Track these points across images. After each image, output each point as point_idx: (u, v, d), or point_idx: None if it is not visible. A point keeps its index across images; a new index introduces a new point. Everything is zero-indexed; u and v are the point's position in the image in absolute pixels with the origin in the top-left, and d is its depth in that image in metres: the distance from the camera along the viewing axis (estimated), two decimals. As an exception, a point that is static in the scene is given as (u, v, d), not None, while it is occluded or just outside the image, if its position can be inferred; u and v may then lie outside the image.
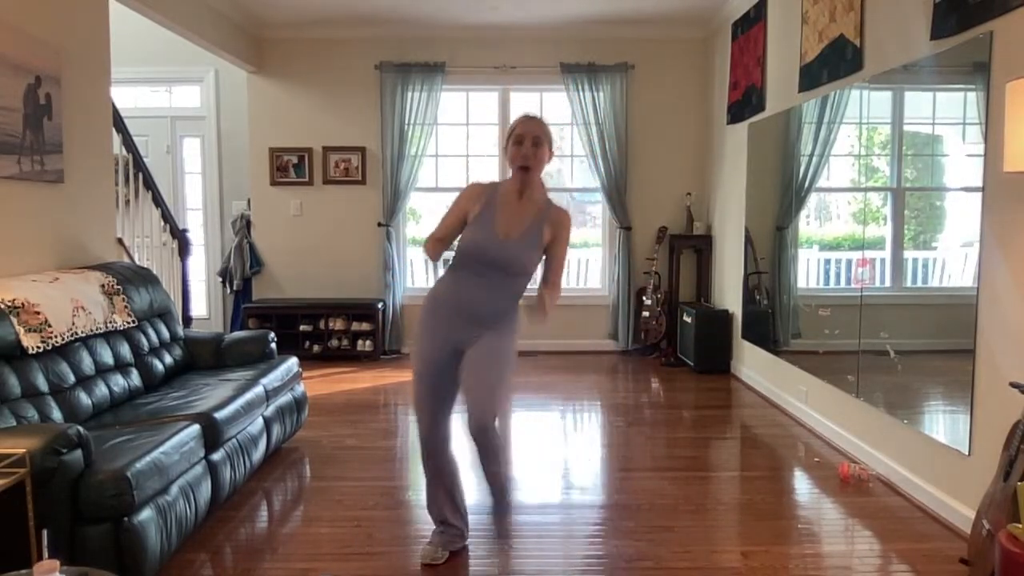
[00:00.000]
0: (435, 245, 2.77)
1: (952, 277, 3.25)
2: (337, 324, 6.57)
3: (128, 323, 3.64)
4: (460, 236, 2.73)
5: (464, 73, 6.70)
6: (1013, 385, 2.48)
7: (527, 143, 2.63)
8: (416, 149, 6.62)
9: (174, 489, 2.69)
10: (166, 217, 5.50)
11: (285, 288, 6.91)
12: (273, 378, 3.83)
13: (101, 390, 3.26)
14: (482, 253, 2.64)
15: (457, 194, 2.79)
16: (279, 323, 6.46)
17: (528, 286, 2.77)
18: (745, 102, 5.56)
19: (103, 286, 3.55)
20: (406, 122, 6.60)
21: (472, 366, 2.64)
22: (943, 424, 3.25)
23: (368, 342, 6.59)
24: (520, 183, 2.66)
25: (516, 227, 2.65)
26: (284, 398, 3.97)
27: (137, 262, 4.83)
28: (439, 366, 2.71)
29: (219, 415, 3.11)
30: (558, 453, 4.10)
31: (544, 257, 2.73)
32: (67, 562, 2.06)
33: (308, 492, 3.53)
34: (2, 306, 2.86)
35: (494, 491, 2.86)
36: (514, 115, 6.84)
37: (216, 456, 3.08)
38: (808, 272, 4.62)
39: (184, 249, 5.60)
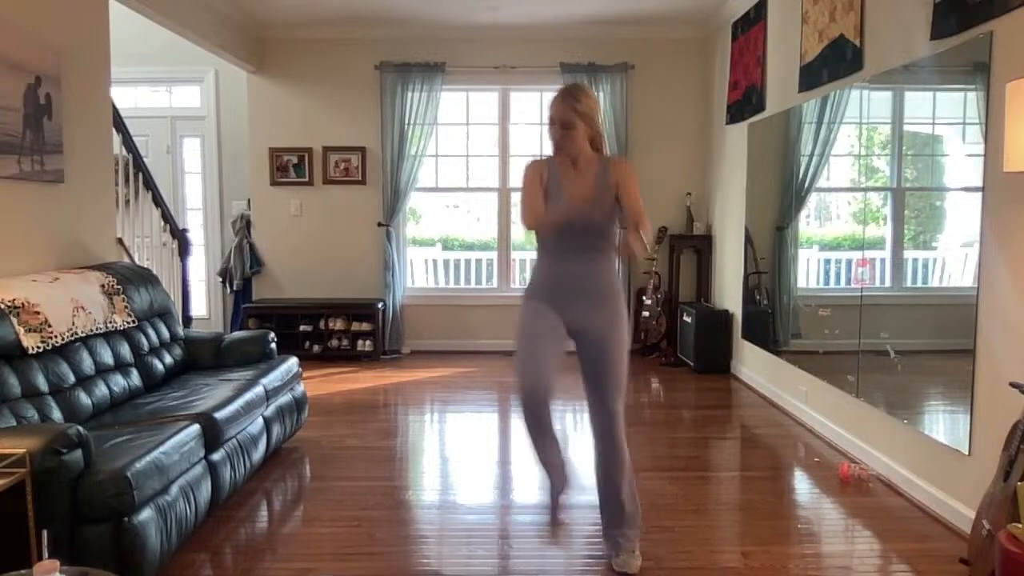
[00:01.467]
0: (534, 214, 2.62)
1: (952, 277, 3.25)
2: (337, 324, 6.57)
3: (128, 323, 3.64)
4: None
5: (464, 73, 6.69)
6: (1013, 385, 2.48)
7: (556, 128, 2.61)
8: (416, 149, 6.62)
9: (174, 489, 2.69)
10: (166, 217, 5.50)
11: (285, 288, 6.91)
12: (273, 378, 3.83)
13: (101, 390, 3.26)
14: (568, 223, 2.59)
15: (523, 177, 2.71)
16: (279, 323, 6.46)
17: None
18: (745, 102, 5.56)
19: (103, 286, 3.55)
20: (406, 122, 6.60)
21: (595, 352, 2.65)
22: (943, 424, 3.25)
23: (368, 342, 6.59)
24: (567, 158, 2.65)
25: (587, 191, 2.63)
26: (284, 398, 3.97)
27: (137, 262, 4.83)
28: (546, 328, 2.62)
29: (219, 415, 3.11)
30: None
31: (620, 206, 2.65)
32: (67, 562, 2.06)
33: (308, 492, 3.53)
34: (2, 306, 2.86)
35: (610, 500, 2.77)
36: (514, 115, 6.87)
37: (216, 456, 3.08)
38: (808, 272, 4.62)
39: (184, 249, 5.60)
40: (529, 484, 3.61)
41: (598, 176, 2.65)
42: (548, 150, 2.75)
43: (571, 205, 2.61)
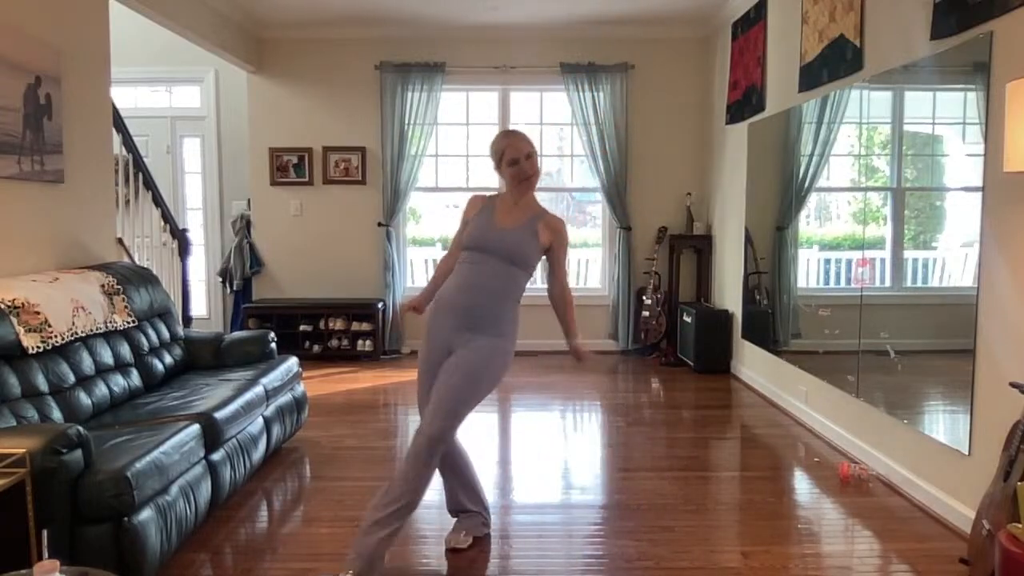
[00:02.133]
0: (446, 261, 2.94)
1: (952, 277, 3.25)
2: (337, 324, 6.57)
3: (128, 323, 3.64)
4: (464, 237, 2.85)
5: (464, 73, 6.70)
6: (1013, 385, 2.48)
7: (522, 160, 2.78)
8: (416, 149, 6.62)
9: (174, 489, 2.69)
10: (166, 217, 5.50)
11: (285, 288, 6.91)
12: (273, 378, 3.83)
13: (101, 390, 3.26)
14: (482, 241, 2.76)
15: (466, 207, 2.95)
16: (279, 323, 6.46)
17: (524, 291, 2.84)
18: (745, 102, 5.56)
19: (103, 286, 3.55)
20: (406, 122, 6.60)
21: (443, 373, 2.67)
22: (943, 424, 3.25)
23: (368, 342, 6.59)
24: (518, 195, 2.83)
25: (513, 220, 2.80)
26: (284, 398, 3.97)
27: (137, 262, 4.83)
28: (435, 367, 2.77)
29: (219, 415, 3.11)
30: (558, 453, 4.10)
31: (547, 262, 2.90)
32: (67, 562, 2.06)
33: (308, 492, 3.53)
34: (2, 306, 2.86)
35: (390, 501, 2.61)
36: (514, 115, 6.87)
37: (216, 456, 3.08)
38: (808, 272, 4.62)
39: (184, 249, 5.60)
40: (529, 484, 3.61)
41: (530, 218, 2.80)
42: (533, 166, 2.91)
43: (491, 229, 2.78)
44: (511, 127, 6.83)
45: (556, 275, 2.91)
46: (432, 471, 2.62)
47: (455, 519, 3.00)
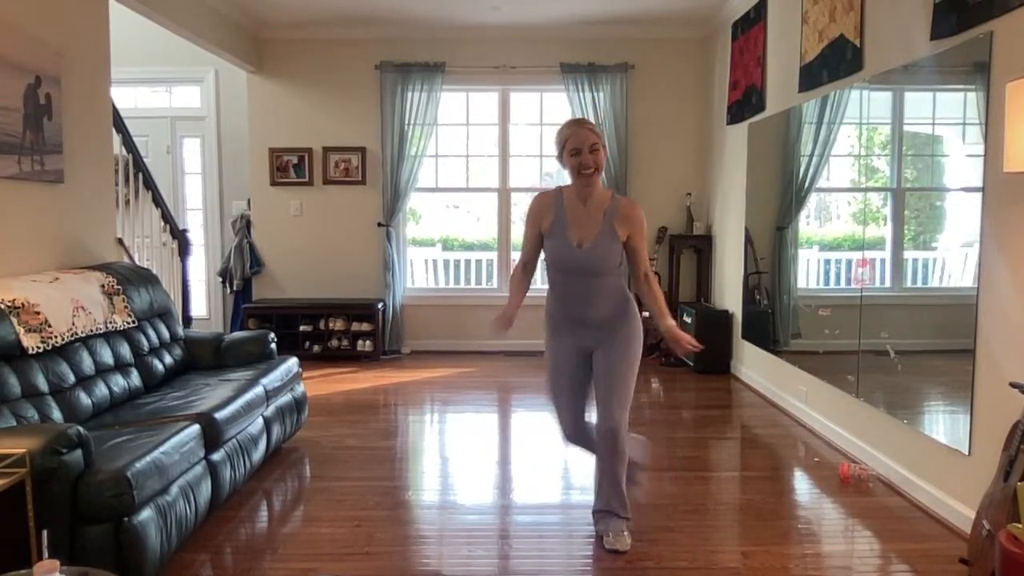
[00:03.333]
0: (522, 273, 2.93)
1: (952, 277, 3.25)
2: (337, 324, 6.57)
3: (128, 323, 3.64)
4: (544, 251, 2.88)
5: (464, 73, 6.70)
6: (1013, 385, 2.48)
7: (585, 152, 2.71)
8: (416, 149, 6.62)
9: (174, 489, 2.69)
10: (166, 217, 5.50)
11: (285, 288, 6.91)
12: (273, 378, 3.83)
13: (101, 390, 3.26)
14: (565, 264, 2.79)
15: (526, 210, 2.93)
16: (279, 323, 6.46)
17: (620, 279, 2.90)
18: (745, 102, 5.56)
19: (103, 286, 3.55)
20: (406, 122, 6.60)
21: (597, 378, 2.84)
22: (943, 424, 3.25)
23: (368, 342, 6.59)
24: (584, 191, 2.79)
25: (589, 233, 2.77)
26: (284, 398, 3.97)
27: (137, 262, 4.83)
28: (570, 366, 2.89)
29: (219, 415, 3.11)
30: (558, 453, 4.10)
31: (627, 253, 2.86)
32: (67, 562, 2.06)
33: (308, 492, 3.53)
34: (2, 306, 2.86)
35: (606, 488, 2.91)
36: (514, 115, 6.86)
37: (216, 456, 3.08)
38: (808, 272, 4.62)
39: (184, 249, 5.60)
40: (529, 484, 3.61)
41: (604, 221, 2.77)
42: (557, 177, 2.91)
43: (569, 250, 2.77)
44: (511, 124, 6.85)
45: (637, 264, 2.85)
46: (626, 454, 2.85)
47: (599, 520, 2.96)
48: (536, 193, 2.99)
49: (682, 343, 2.80)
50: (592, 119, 6.56)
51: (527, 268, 2.95)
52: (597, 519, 2.95)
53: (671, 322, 2.82)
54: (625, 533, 2.87)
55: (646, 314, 3.06)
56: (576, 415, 2.96)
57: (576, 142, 2.71)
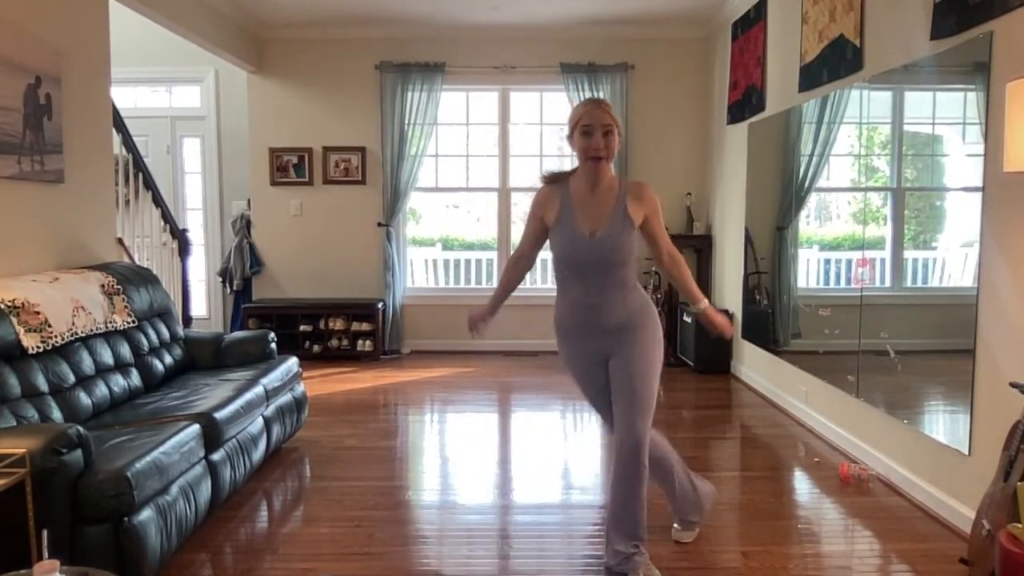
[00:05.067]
0: (514, 266, 2.73)
1: (952, 277, 3.24)
2: (337, 324, 6.57)
3: (128, 323, 3.64)
4: (551, 247, 2.63)
5: (464, 73, 6.69)
6: (1013, 385, 2.48)
7: (597, 134, 2.45)
8: (416, 149, 6.62)
9: (174, 489, 2.69)
10: (166, 217, 5.50)
11: (285, 288, 6.91)
12: (273, 378, 3.83)
13: (101, 390, 3.26)
14: (577, 257, 2.53)
15: (530, 201, 2.67)
16: (279, 323, 6.46)
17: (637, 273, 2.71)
18: (745, 102, 5.56)
19: (103, 286, 3.55)
20: (406, 122, 6.60)
21: (616, 385, 2.59)
22: (943, 424, 3.25)
23: (368, 342, 6.59)
24: (593, 176, 2.53)
25: (601, 221, 2.52)
26: (284, 398, 3.97)
27: (137, 262, 4.83)
28: (591, 375, 2.67)
29: (219, 415, 3.11)
30: (558, 453, 4.10)
31: (646, 238, 2.64)
32: (67, 562, 2.06)
33: (308, 492, 3.53)
34: (2, 306, 2.86)
35: (626, 521, 2.60)
36: (514, 115, 6.86)
37: (216, 456, 3.08)
38: (808, 272, 4.62)
39: (184, 249, 5.60)
40: (529, 484, 3.61)
41: (616, 206, 2.53)
42: (555, 162, 2.72)
43: (580, 241, 2.51)
44: (511, 124, 6.85)
45: (659, 245, 2.63)
46: (647, 472, 2.58)
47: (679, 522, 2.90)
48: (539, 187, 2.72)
49: (716, 326, 2.64)
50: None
51: (520, 262, 2.73)
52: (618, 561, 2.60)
53: (705, 303, 2.66)
54: (651, 565, 2.61)
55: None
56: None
57: (589, 120, 2.45)
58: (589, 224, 2.53)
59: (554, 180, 2.65)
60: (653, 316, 2.65)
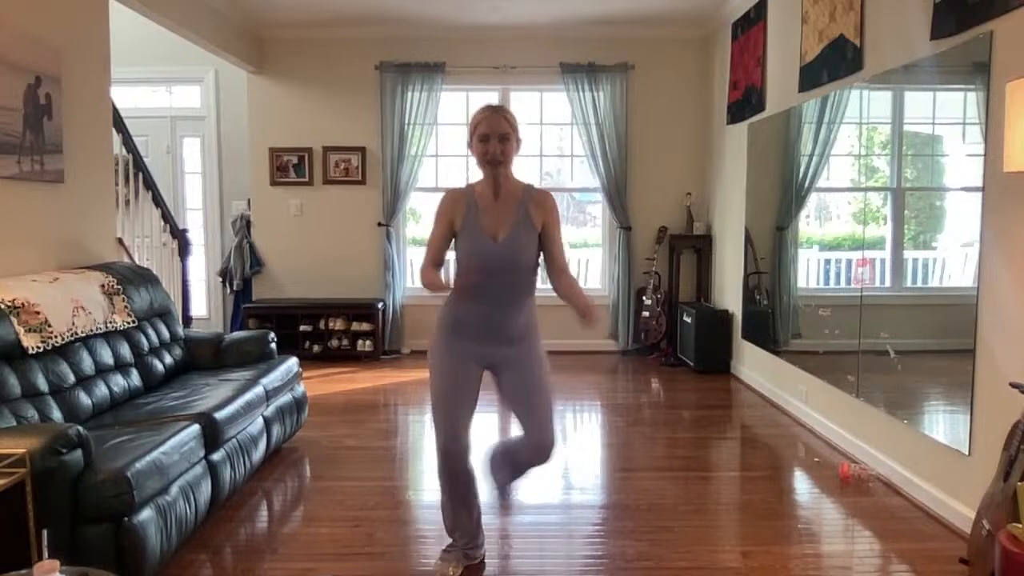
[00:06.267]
0: (431, 273, 2.62)
1: (952, 277, 3.25)
2: (337, 324, 6.57)
3: (128, 323, 3.64)
4: (457, 251, 2.62)
5: (464, 73, 6.70)
6: (1013, 385, 2.48)
7: (493, 140, 2.50)
8: (416, 149, 6.62)
9: (174, 489, 2.69)
10: (166, 217, 5.50)
11: (285, 288, 6.91)
12: (273, 378, 3.83)
13: (101, 390, 3.26)
14: (481, 261, 2.53)
15: (436, 209, 2.65)
16: (279, 323, 6.46)
17: (537, 283, 2.68)
18: (745, 102, 5.56)
19: (103, 286, 3.55)
20: (406, 122, 6.60)
21: (519, 394, 2.61)
22: (943, 424, 3.25)
23: (368, 342, 6.59)
24: (493, 182, 2.55)
25: (503, 225, 2.55)
26: (284, 398, 3.97)
27: (137, 262, 4.83)
28: (465, 380, 2.62)
29: (219, 415, 3.11)
30: (558, 453, 4.10)
31: (541, 245, 2.62)
32: (67, 562, 2.06)
33: (308, 492, 3.53)
34: (2, 306, 2.86)
35: (505, 482, 2.84)
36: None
37: (216, 456, 3.08)
38: (808, 272, 4.62)
39: (184, 249, 5.60)
40: (529, 484, 3.61)
41: (518, 211, 2.56)
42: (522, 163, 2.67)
43: (485, 244, 2.52)
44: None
45: (554, 254, 2.60)
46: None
47: (450, 543, 2.80)
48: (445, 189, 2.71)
49: (590, 314, 2.50)
50: (592, 119, 6.57)
51: (437, 266, 2.66)
52: (497, 470, 2.80)
53: (584, 302, 2.53)
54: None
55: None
56: (460, 426, 2.62)
57: (486, 128, 2.49)
58: (493, 228, 2.55)
59: (462, 188, 2.67)
60: (538, 333, 2.69)
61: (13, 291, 2.95)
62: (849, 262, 4.12)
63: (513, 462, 2.76)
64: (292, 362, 4.18)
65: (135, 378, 3.55)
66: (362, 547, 2.91)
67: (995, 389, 2.82)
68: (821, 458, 3.95)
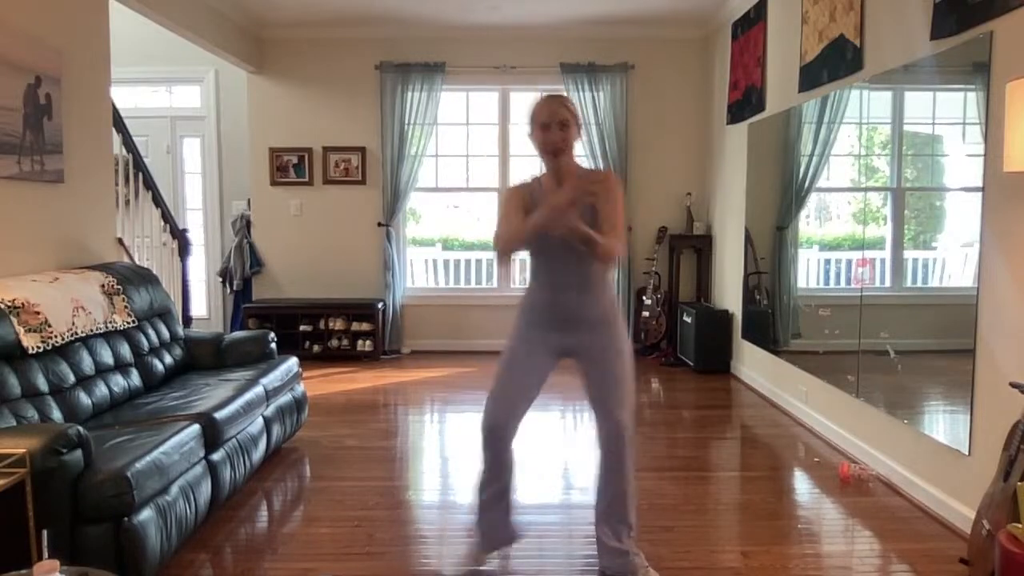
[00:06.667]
0: (508, 242, 2.52)
1: (952, 277, 3.25)
2: (337, 324, 6.57)
3: (128, 323, 3.64)
4: (527, 247, 2.59)
5: (464, 73, 6.70)
6: (1013, 385, 2.48)
7: (554, 128, 2.48)
8: (416, 149, 6.62)
9: (174, 489, 2.69)
10: (166, 217, 5.49)
11: (285, 288, 6.91)
12: (273, 378, 3.83)
13: (101, 390, 3.26)
14: (549, 241, 2.48)
15: (503, 206, 2.64)
16: (279, 323, 6.46)
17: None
18: (745, 102, 5.56)
19: (103, 286, 3.55)
20: (406, 122, 6.60)
21: (593, 380, 2.60)
22: (943, 424, 3.25)
23: (368, 342, 6.59)
24: (556, 172, 2.55)
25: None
26: (284, 398, 3.97)
27: (137, 262, 4.83)
28: (524, 364, 2.61)
29: (219, 415, 3.11)
30: (558, 453, 4.10)
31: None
32: (67, 562, 2.06)
33: (308, 492, 3.53)
34: (2, 306, 2.86)
35: (609, 509, 2.64)
36: (514, 115, 6.86)
37: (216, 456, 3.08)
38: (808, 272, 4.62)
39: (184, 249, 5.60)
40: (529, 484, 3.61)
41: (580, 188, 2.45)
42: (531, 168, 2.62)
43: (548, 213, 2.40)
44: (511, 124, 6.85)
45: (601, 229, 2.46)
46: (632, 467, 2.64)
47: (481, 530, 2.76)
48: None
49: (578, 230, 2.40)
50: (592, 119, 6.57)
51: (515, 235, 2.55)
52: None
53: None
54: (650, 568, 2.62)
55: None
56: (517, 407, 2.61)
57: (546, 116, 2.47)
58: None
59: (527, 182, 2.66)
60: (621, 319, 2.66)
61: (13, 291, 2.96)
62: (849, 262, 4.12)
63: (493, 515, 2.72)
64: (292, 362, 4.18)
65: (135, 378, 3.55)
66: (362, 547, 2.91)
67: (995, 389, 2.82)
68: (821, 458, 3.95)
